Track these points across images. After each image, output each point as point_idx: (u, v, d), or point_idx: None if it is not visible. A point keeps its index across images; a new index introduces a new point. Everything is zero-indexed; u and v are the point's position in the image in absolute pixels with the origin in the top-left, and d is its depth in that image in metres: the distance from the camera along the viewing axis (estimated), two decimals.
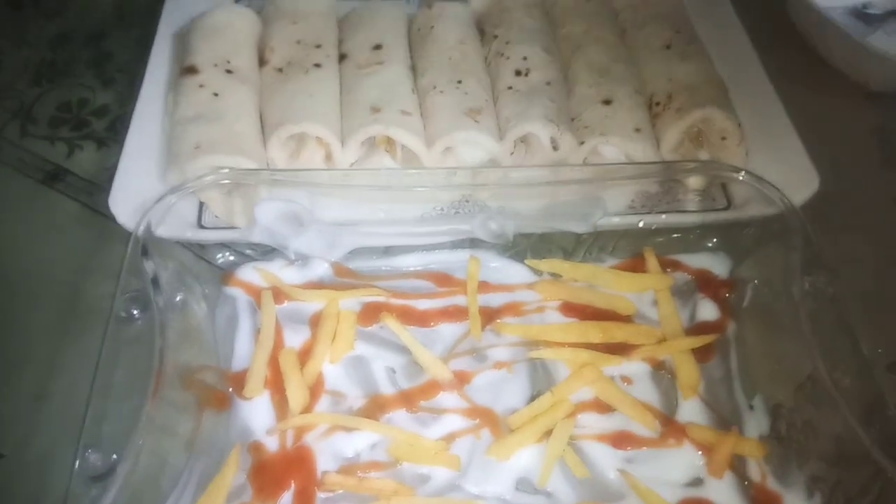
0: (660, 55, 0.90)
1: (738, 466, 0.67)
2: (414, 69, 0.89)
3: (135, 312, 0.65)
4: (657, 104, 0.86)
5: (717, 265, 0.79)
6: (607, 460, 0.67)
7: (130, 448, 0.59)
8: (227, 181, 0.74)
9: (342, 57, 0.89)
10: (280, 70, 0.86)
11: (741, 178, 0.75)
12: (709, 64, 0.89)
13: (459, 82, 0.85)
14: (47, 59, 0.99)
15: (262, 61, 0.88)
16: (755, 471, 0.67)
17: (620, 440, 0.68)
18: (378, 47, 0.88)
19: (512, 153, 0.83)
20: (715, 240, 0.80)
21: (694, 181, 0.80)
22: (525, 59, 0.88)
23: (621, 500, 0.65)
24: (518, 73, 0.87)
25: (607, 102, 0.84)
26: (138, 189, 0.76)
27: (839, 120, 0.96)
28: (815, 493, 0.65)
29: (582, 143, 0.82)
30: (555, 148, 0.82)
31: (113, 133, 0.90)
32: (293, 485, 0.64)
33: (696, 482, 0.66)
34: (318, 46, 0.88)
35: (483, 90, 0.86)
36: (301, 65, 0.86)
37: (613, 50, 0.90)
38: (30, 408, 0.71)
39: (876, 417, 0.63)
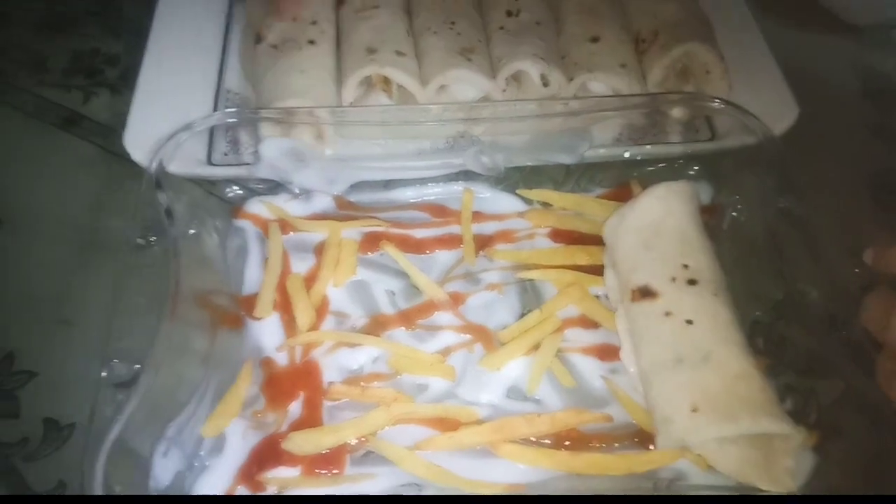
0: None
1: None
2: (408, 12, 0.92)
3: (151, 240, 0.70)
4: (643, 41, 0.89)
5: (700, 192, 0.82)
6: (592, 371, 0.72)
7: (151, 360, 0.64)
8: (233, 119, 0.78)
9: (340, 3, 0.92)
10: (275, 47, 0.87)
11: (722, 108, 0.78)
12: (693, 0, 0.91)
13: (453, 23, 0.89)
14: (57, 13, 1.03)
15: (258, 38, 0.88)
16: None
17: (605, 353, 0.73)
18: None
19: (504, 91, 0.87)
20: (697, 168, 0.84)
21: (677, 113, 0.84)
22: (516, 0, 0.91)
23: (605, 406, 0.70)
24: (509, 13, 0.90)
25: (595, 40, 0.88)
26: (151, 129, 0.80)
27: (821, 53, 0.99)
28: (787, 400, 0.70)
29: (571, 79, 0.86)
30: (545, 85, 0.86)
31: (124, 80, 0.94)
32: (302, 394, 0.69)
33: None
34: (314, 23, 0.89)
35: (475, 31, 0.89)
36: (296, 41, 0.87)
37: None
38: (57, 333, 0.76)
39: (843, 330, 0.67)
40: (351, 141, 0.83)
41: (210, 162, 0.82)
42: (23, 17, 1.02)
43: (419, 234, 0.80)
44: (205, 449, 0.67)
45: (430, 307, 0.75)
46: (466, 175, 0.83)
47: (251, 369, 0.70)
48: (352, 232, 0.79)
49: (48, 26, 1.01)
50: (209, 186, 0.82)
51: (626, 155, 0.83)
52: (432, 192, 0.83)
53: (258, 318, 0.73)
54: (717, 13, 0.92)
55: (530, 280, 0.77)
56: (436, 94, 0.85)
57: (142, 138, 0.79)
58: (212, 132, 0.83)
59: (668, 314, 0.68)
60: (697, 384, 0.65)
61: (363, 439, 0.67)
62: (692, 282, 0.70)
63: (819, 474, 0.66)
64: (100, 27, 1.01)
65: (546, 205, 0.82)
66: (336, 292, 0.76)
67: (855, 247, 0.82)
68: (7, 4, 1.03)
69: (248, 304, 0.74)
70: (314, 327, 0.73)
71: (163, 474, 0.64)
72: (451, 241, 0.79)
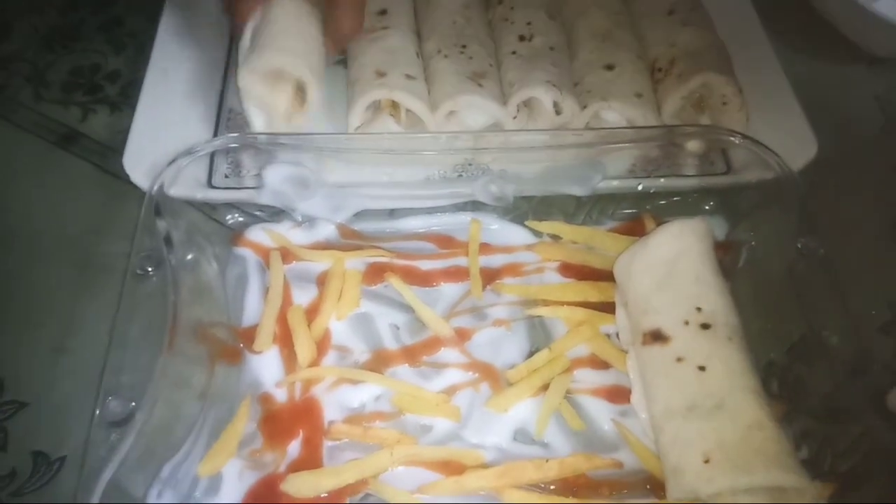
0: (663, 21, 0.90)
1: None
2: (419, 34, 0.90)
3: (149, 269, 0.68)
4: (659, 70, 0.87)
5: (715, 228, 0.80)
6: (602, 413, 0.70)
7: (147, 397, 0.62)
8: (235, 144, 0.76)
9: None
10: None
11: (739, 142, 0.76)
12: (711, 29, 0.89)
13: (464, 47, 0.86)
14: (58, 26, 1.01)
15: None
16: None
17: (615, 394, 0.70)
18: (383, 12, 0.89)
19: (515, 117, 0.85)
20: (712, 203, 0.82)
21: (693, 146, 0.81)
22: (529, 24, 0.89)
23: (615, 451, 0.68)
24: (522, 38, 0.88)
25: (610, 68, 0.85)
26: (151, 150, 0.78)
27: (842, 86, 0.97)
28: (802, 447, 0.68)
29: (584, 107, 0.84)
30: (557, 112, 0.84)
31: (125, 97, 0.92)
32: (301, 433, 0.67)
33: None
34: None
35: (487, 55, 0.87)
36: None
37: (616, 16, 0.91)
38: (49, 360, 0.74)
39: (863, 376, 0.65)
40: (356, 168, 0.80)
41: (211, 185, 0.80)
42: (23, 30, 1.00)
43: (425, 265, 0.78)
44: (200, 489, 0.64)
45: (435, 343, 0.73)
46: (474, 205, 0.81)
47: (249, 406, 0.68)
48: (356, 262, 0.77)
49: (49, 39, 0.99)
50: (209, 211, 0.80)
51: (640, 187, 0.81)
52: (439, 222, 0.81)
53: (257, 352, 0.71)
54: (735, 42, 0.89)
55: (539, 316, 0.75)
56: (445, 120, 0.83)
57: (141, 160, 0.77)
58: (213, 154, 0.80)
59: (680, 360, 0.66)
60: (710, 434, 0.63)
61: (364, 482, 0.64)
62: (706, 325, 0.67)
63: None
64: (101, 42, 0.99)
65: (556, 237, 0.80)
66: (338, 325, 0.74)
67: (876, 287, 0.81)
68: (8, 16, 1.01)
69: (247, 337, 0.72)
70: (315, 362, 0.71)
71: None
72: (458, 274, 0.77)
